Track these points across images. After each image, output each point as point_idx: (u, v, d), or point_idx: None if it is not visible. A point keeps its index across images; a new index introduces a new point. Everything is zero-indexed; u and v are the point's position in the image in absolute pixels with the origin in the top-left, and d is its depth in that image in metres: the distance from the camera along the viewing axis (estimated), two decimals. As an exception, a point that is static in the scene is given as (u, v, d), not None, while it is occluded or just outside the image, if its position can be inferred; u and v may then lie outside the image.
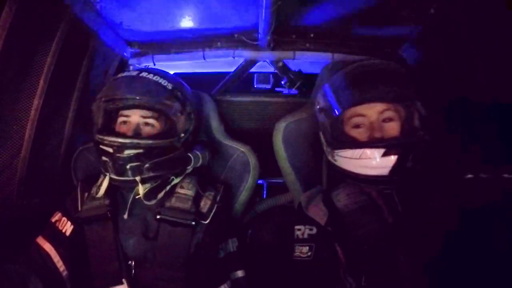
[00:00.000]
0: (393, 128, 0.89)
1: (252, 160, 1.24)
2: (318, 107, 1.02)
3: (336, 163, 0.94)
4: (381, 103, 0.88)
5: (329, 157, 0.98)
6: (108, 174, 0.96)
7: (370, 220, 0.88)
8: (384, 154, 0.83)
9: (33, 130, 1.05)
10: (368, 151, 0.85)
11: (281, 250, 0.96)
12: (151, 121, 1.00)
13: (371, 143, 0.86)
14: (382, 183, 0.86)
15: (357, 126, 0.91)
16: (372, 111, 0.88)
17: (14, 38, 0.88)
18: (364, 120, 0.90)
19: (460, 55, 1.13)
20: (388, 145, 0.83)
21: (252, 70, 1.73)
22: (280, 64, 1.65)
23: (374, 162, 0.84)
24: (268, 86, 1.88)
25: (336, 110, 0.91)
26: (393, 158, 0.82)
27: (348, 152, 0.88)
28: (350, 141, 0.91)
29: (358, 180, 0.89)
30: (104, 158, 0.93)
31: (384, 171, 0.84)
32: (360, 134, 0.91)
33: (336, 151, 0.93)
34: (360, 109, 0.89)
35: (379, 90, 0.86)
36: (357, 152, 0.86)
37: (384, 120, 0.89)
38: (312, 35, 1.44)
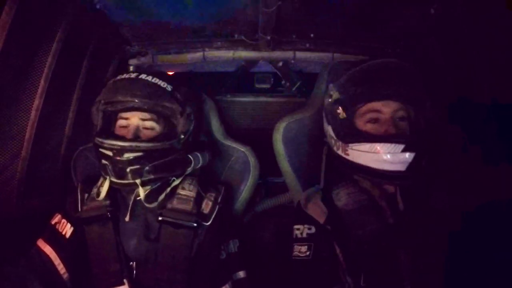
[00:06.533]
0: (405, 127, 0.90)
1: (252, 160, 1.24)
2: (330, 100, 0.99)
3: (347, 157, 0.93)
4: (397, 102, 0.89)
5: (339, 151, 0.96)
6: (108, 177, 0.95)
7: (371, 219, 0.88)
8: (404, 150, 0.83)
9: (33, 130, 1.04)
10: (388, 145, 0.84)
11: (280, 249, 0.96)
12: (150, 123, 0.99)
13: (391, 137, 0.86)
14: (398, 178, 0.86)
15: (371, 121, 0.91)
16: (389, 108, 0.89)
17: (14, 38, 0.88)
18: (379, 116, 0.90)
19: (460, 55, 1.13)
20: (407, 141, 0.84)
21: (252, 70, 1.73)
22: (280, 64, 1.65)
23: (393, 157, 0.84)
24: (268, 86, 1.87)
25: (355, 102, 0.91)
26: (411, 154, 0.83)
27: (365, 146, 0.87)
28: (367, 135, 0.90)
29: (373, 174, 0.88)
30: (104, 161, 0.93)
31: (402, 166, 0.84)
32: (374, 129, 0.91)
33: (350, 144, 0.91)
34: (378, 105, 0.89)
35: (402, 89, 0.88)
36: (375, 146, 0.86)
37: (397, 119, 0.90)
38: (312, 35, 1.44)
